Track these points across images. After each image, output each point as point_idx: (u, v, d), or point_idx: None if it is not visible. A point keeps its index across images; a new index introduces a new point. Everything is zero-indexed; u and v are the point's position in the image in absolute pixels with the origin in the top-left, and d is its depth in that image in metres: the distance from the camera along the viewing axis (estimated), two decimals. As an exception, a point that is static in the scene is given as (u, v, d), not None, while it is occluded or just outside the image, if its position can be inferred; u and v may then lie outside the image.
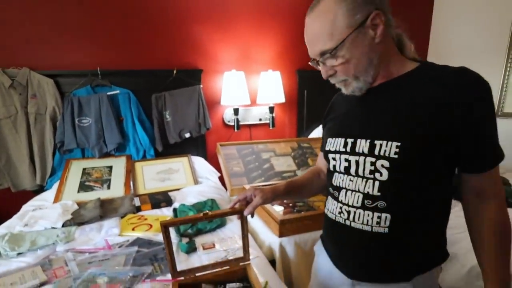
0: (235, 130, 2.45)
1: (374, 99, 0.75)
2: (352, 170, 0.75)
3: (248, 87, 2.36)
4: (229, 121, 2.49)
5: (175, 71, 2.24)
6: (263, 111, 2.55)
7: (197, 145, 2.41)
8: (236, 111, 2.38)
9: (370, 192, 0.72)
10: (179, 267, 1.12)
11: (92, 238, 1.40)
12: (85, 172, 2.01)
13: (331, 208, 0.82)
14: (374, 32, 0.68)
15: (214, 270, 0.92)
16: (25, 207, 1.76)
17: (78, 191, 1.87)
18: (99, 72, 2.09)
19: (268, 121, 2.55)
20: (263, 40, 2.49)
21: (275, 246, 1.26)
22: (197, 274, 0.91)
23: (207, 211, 0.87)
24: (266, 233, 1.35)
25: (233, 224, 1.47)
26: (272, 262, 1.24)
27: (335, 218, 0.79)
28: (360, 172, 0.73)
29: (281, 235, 1.23)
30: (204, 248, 1.24)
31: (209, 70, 2.39)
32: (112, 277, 1.08)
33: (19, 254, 1.28)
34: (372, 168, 0.71)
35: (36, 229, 1.47)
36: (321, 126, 2.57)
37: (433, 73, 0.70)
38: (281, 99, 2.42)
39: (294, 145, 2.25)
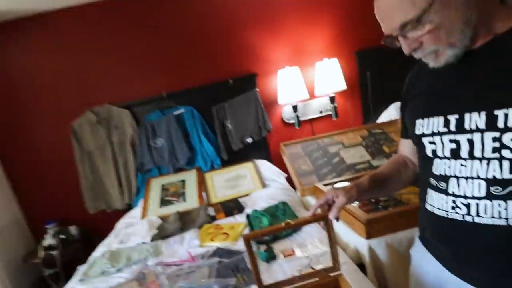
0: (296, 127, 2.35)
1: (478, 63, 0.60)
2: (464, 152, 0.60)
3: (305, 80, 2.25)
4: (288, 119, 2.40)
5: (231, 81, 2.27)
6: (323, 102, 2.40)
7: (260, 148, 2.39)
8: (295, 108, 2.28)
9: (498, 176, 0.56)
10: (262, 278, 1.08)
11: (176, 250, 1.46)
12: (163, 188, 2.16)
13: (438, 203, 0.67)
14: None
15: (302, 283, 0.84)
16: (118, 225, 1.95)
17: (160, 206, 2.01)
18: (165, 96, 2.25)
19: (329, 112, 2.39)
20: (315, 30, 2.35)
21: (362, 249, 1.12)
22: (284, 288, 0.85)
23: (289, 221, 0.80)
24: (349, 235, 1.22)
25: (310, 227, 1.37)
26: (360, 266, 1.11)
27: (448, 214, 0.65)
28: (477, 153, 0.58)
29: (369, 236, 1.09)
30: (284, 256, 1.18)
31: (263, 72, 2.35)
32: (200, 291, 1.09)
33: (118, 270, 1.40)
34: (496, 145, 0.56)
35: (130, 245, 1.61)
36: (391, 107, 2.33)
37: None
38: (342, 86, 2.24)
39: (364, 133, 2.04)
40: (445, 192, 0.65)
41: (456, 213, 0.63)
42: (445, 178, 0.64)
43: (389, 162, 0.89)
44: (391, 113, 2.27)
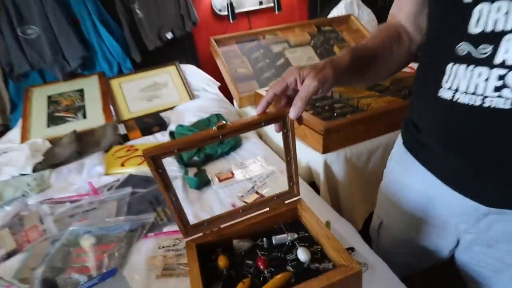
0: (230, 21, 1.87)
1: None
2: None
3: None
4: (220, 10, 1.88)
5: None
6: (264, -10, 1.91)
7: (185, 48, 1.88)
8: (228, -7, 1.75)
9: None
10: (191, 212, 0.81)
11: (72, 182, 1.07)
12: (51, 100, 1.58)
13: (469, 84, 0.42)
14: None
15: (247, 217, 0.59)
16: (-12, 153, 1.40)
17: (48, 126, 1.48)
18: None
19: (271, 4, 1.94)
20: None
21: (316, 165, 0.92)
22: (221, 226, 0.59)
23: (223, 122, 0.48)
24: (299, 150, 1.00)
25: (253, 142, 1.11)
26: (310, 185, 0.92)
27: (484, 101, 0.40)
28: None
29: (325, 150, 0.88)
30: (220, 180, 0.91)
31: None
32: (101, 236, 0.78)
33: (-20, 215, 0.97)
34: None
35: (1, 179, 1.14)
36: (341, 3, 1.99)
37: None
38: (288, -34, 1.76)
39: (313, 30, 1.71)
40: (487, 62, 0.39)
41: (501, 97, 0.39)
42: (493, 38, 0.38)
43: (377, 33, 0.59)
44: (341, 10, 1.95)
